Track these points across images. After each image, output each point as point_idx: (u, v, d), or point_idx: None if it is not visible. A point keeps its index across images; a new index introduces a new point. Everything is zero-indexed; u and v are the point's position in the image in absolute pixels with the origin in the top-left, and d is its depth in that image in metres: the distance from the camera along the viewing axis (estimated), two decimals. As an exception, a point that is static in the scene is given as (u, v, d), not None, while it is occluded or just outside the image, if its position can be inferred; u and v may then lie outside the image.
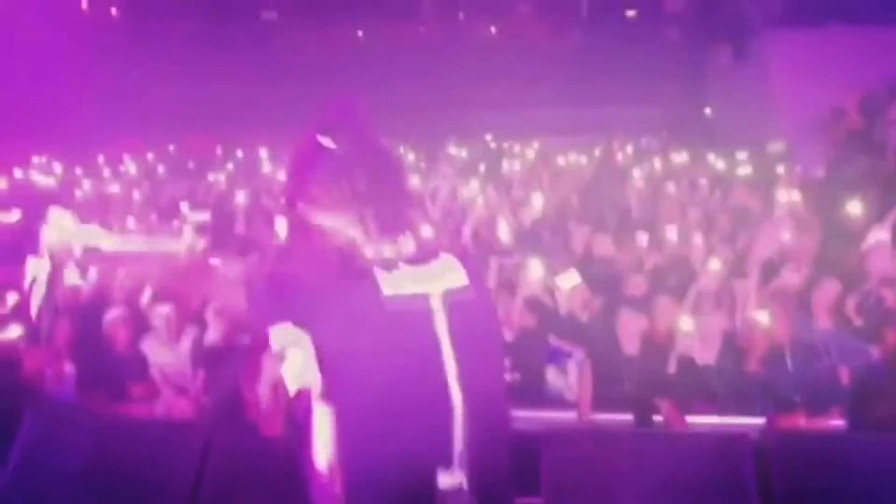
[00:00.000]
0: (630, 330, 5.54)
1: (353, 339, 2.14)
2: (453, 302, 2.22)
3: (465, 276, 2.26)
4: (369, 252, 2.22)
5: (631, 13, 17.61)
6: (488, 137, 15.77)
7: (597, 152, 14.70)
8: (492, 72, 16.03)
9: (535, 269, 6.19)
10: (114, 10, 16.62)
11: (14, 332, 5.67)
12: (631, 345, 5.56)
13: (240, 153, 14.10)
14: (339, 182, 2.22)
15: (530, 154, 14.27)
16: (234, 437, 4.07)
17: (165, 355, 6.11)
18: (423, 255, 2.26)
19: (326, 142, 2.24)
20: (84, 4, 15.86)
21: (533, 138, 15.51)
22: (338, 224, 2.16)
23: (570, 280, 6.19)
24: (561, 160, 13.85)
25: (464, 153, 14.83)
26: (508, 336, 5.78)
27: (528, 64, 16.20)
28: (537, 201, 8.91)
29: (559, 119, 16.28)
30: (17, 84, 12.77)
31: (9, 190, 11.10)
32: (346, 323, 2.14)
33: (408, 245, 2.26)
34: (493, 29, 17.61)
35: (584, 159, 13.84)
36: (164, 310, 6.09)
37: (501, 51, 16.67)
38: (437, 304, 2.20)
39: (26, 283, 7.00)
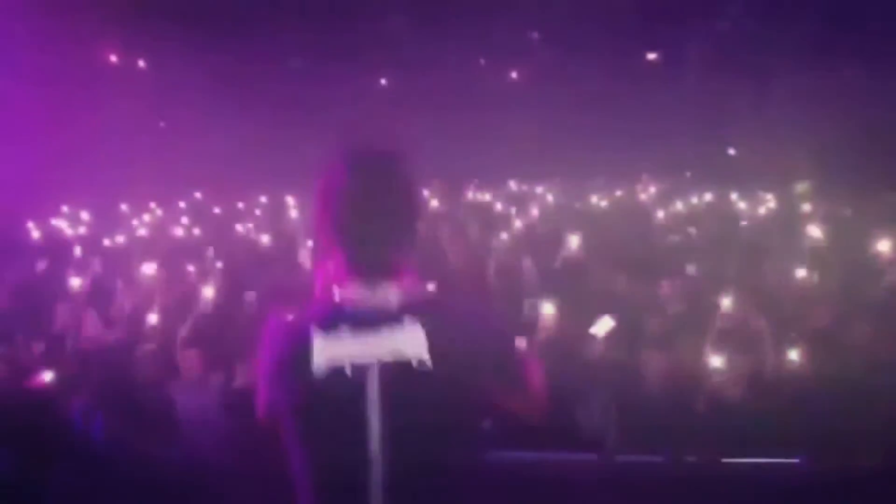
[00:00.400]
0: (655, 368, 5.51)
1: (288, 405, 2.08)
2: (395, 375, 2.02)
3: (423, 346, 2.02)
4: (340, 295, 2.09)
5: (652, 56, 17.76)
6: (511, 182, 15.85)
7: (618, 193, 14.80)
8: (514, 116, 16.16)
9: (548, 310, 6.20)
10: (141, 63, 16.95)
11: (46, 376, 5.73)
12: (655, 383, 5.53)
13: (264, 199, 14.25)
14: (327, 215, 2.11)
15: (552, 197, 14.28)
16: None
17: (192, 398, 6.13)
18: (377, 317, 2.06)
19: (341, 173, 2.13)
20: (113, 57, 16.20)
21: (556, 181, 15.58)
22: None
23: (604, 326, 6.16)
24: (582, 202, 13.91)
25: (487, 197, 14.93)
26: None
27: (551, 107, 16.31)
28: (573, 241, 8.91)
29: (582, 162, 16.36)
30: (46, 134, 13.04)
31: (40, 239, 11.26)
32: (285, 387, 2.09)
33: (385, 294, 2.08)
34: (514, 74, 17.79)
35: (604, 202, 13.88)
36: (192, 353, 6.11)
37: (523, 95, 16.82)
38: (372, 377, 2.03)
39: (57, 328, 7.14)
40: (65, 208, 13.36)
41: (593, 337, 6.01)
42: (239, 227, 11.99)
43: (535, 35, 17.09)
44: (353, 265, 2.10)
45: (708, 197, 13.65)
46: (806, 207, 11.08)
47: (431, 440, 2.04)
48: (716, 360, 5.37)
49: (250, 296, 7.32)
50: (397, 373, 2.02)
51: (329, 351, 2.03)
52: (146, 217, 13.09)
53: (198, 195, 14.69)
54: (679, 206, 12.47)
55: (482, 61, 17.57)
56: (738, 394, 5.43)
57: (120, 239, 11.10)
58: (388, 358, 2.03)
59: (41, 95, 13.07)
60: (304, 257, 7.66)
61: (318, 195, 2.14)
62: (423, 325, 2.04)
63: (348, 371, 2.02)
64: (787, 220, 10.55)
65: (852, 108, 13.23)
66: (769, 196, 12.73)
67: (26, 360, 6.16)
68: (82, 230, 12.11)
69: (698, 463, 5.06)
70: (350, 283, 2.09)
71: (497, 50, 17.27)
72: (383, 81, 17.59)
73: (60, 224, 12.41)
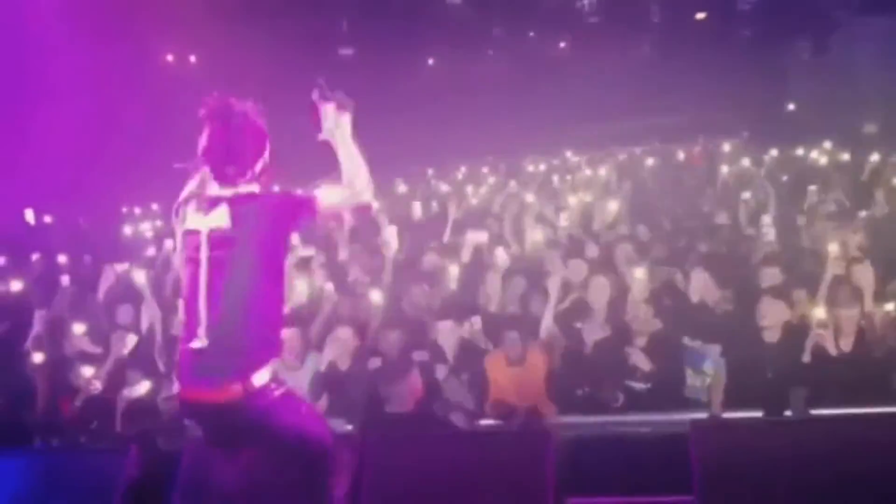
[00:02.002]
0: (773, 319, 5.47)
1: None
2: (215, 236, 3.29)
3: (228, 220, 3.29)
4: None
5: (701, 15, 17.47)
6: (568, 153, 15.76)
7: (681, 156, 14.64)
8: (566, 86, 16.07)
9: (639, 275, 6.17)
10: (193, 58, 17.14)
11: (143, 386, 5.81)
12: (773, 334, 5.50)
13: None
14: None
15: (606, 166, 14.10)
16: (386, 450, 4.14)
17: (289, 379, 6.17)
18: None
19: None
20: (169, 57, 16.41)
21: (612, 149, 15.47)
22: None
23: (701, 283, 6.18)
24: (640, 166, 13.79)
25: (542, 167, 14.87)
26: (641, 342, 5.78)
27: (602, 75, 16.19)
28: (612, 206, 8.93)
29: (637, 128, 16.22)
30: (103, 135, 13.27)
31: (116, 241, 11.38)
32: None
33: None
34: (563, 44, 17.66)
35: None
36: (288, 334, 6.12)
37: (574, 64, 16.69)
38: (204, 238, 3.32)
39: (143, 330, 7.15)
40: (125, 209, 13.57)
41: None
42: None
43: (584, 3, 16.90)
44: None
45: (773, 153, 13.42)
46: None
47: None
48: (820, 313, 5.31)
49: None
50: (217, 236, 3.25)
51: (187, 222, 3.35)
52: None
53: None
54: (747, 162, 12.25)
55: (531, 34, 17.44)
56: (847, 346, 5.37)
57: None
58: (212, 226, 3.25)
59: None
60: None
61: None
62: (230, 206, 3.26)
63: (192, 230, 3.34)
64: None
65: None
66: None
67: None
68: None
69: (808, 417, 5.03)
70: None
71: (544, 22, 17.17)
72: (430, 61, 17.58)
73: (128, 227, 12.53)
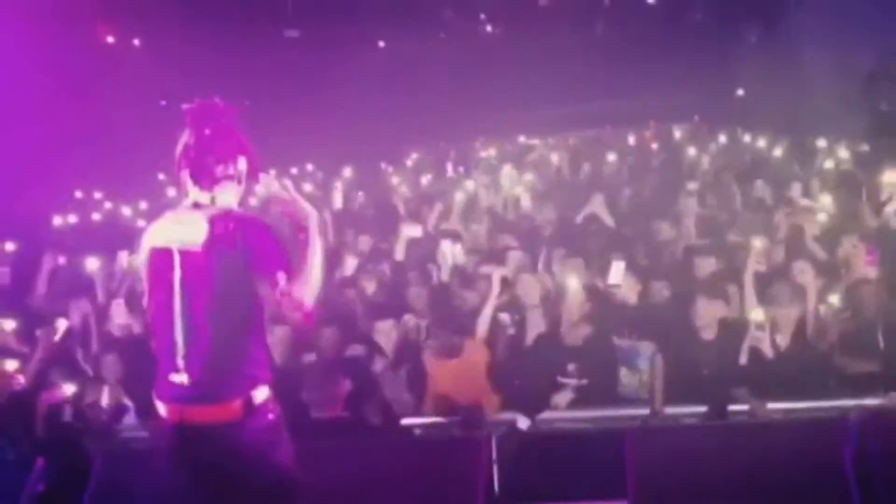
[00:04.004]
0: (709, 318, 5.43)
1: None
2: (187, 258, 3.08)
3: (203, 240, 3.04)
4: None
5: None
6: (521, 138, 15.67)
7: (630, 141, 14.63)
8: (517, 69, 15.95)
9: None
10: (136, 41, 16.73)
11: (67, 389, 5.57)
12: (709, 332, 5.45)
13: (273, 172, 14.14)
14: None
15: (558, 151, 14.00)
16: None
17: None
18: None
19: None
20: (109, 38, 15.97)
21: (563, 133, 15.40)
22: None
23: (617, 274, 6.09)
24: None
25: (493, 153, 14.78)
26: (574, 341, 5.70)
27: (554, 59, 16.08)
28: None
29: (588, 113, 16.17)
30: (45, 121, 12.89)
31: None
32: None
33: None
34: (513, 27, 17.52)
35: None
36: (281, 331, 5.91)
37: (524, 48, 16.54)
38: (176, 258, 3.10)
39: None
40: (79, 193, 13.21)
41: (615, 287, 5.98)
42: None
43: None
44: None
45: (722, 139, 13.46)
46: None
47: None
48: (758, 314, 5.25)
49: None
50: (191, 256, 3.06)
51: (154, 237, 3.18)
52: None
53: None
54: (693, 151, 12.23)
55: (481, 16, 17.26)
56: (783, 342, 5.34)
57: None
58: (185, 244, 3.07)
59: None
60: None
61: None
62: (209, 222, 3.05)
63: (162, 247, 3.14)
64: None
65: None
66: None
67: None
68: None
69: (744, 414, 5.00)
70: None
71: (494, 5, 17.02)
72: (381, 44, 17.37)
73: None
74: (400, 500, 3.92)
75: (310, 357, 5.96)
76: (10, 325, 6.34)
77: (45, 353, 5.69)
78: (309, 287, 3.05)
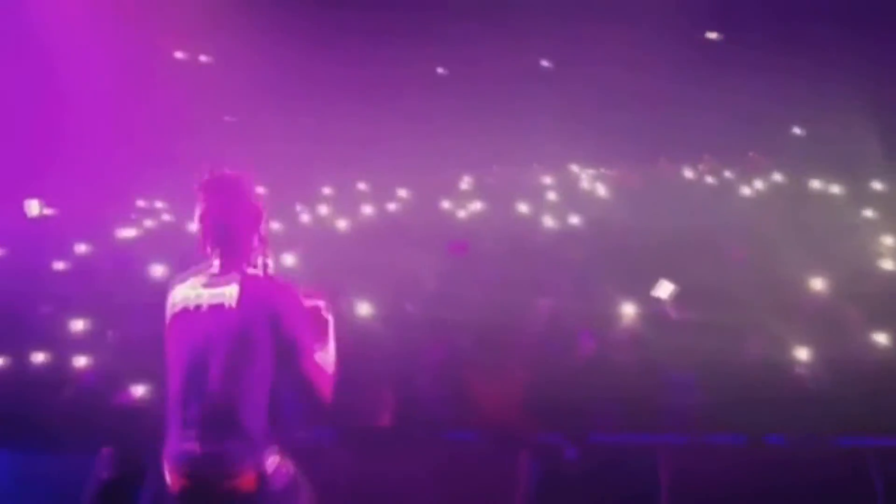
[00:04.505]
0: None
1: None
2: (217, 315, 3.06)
3: (234, 298, 3.05)
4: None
5: (713, 35, 17.46)
6: (573, 167, 15.76)
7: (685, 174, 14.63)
8: (565, 102, 16.04)
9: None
10: (203, 58, 17.20)
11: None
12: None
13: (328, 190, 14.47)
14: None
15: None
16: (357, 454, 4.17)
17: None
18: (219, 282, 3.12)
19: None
20: (178, 54, 16.48)
21: (617, 166, 15.46)
22: None
23: (666, 289, 6.22)
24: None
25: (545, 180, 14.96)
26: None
27: (607, 91, 16.16)
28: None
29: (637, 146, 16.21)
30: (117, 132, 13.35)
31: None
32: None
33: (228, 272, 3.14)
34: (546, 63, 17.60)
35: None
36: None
37: (571, 82, 16.60)
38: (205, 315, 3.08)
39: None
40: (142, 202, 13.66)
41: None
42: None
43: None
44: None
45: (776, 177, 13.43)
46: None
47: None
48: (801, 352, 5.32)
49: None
50: (218, 312, 3.07)
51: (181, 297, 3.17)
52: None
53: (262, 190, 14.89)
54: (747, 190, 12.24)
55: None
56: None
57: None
58: (214, 301, 3.08)
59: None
60: None
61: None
62: (240, 285, 3.08)
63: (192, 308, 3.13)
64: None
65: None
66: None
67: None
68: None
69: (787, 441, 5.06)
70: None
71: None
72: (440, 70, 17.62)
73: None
74: (439, 496, 4.05)
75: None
76: (80, 324, 6.68)
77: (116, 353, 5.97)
78: (332, 360, 3.12)
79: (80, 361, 6.05)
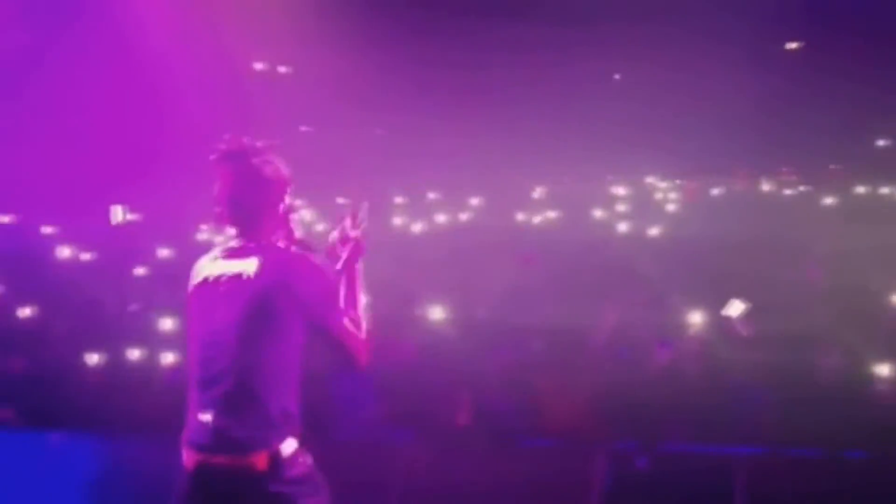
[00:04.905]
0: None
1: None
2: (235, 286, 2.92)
3: (254, 270, 2.91)
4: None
5: (792, 45, 17.16)
6: (648, 179, 15.70)
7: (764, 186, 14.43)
8: (645, 114, 15.97)
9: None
10: (282, 69, 17.58)
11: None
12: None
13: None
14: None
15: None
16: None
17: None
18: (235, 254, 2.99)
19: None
20: (258, 65, 16.89)
21: (691, 176, 15.32)
22: None
23: (737, 308, 6.19)
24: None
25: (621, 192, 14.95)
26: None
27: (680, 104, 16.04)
28: None
29: (714, 158, 16.03)
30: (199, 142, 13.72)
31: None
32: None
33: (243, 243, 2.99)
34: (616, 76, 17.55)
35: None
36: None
37: (647, 96, 16.51)
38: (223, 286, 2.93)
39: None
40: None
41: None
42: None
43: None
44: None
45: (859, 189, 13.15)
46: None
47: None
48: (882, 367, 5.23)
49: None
50: (237, 284, 2.91)
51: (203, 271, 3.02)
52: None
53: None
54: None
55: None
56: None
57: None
58: (234, 273, 2.93)
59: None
60: None
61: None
62: (260, 257, 2.92)
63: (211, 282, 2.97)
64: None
65: None
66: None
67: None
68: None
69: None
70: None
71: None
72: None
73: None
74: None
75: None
76: (168, 323, 6.95)
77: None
78: (363, 322, 2.97)
79: (168, 358, 6.29)
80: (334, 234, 3.06)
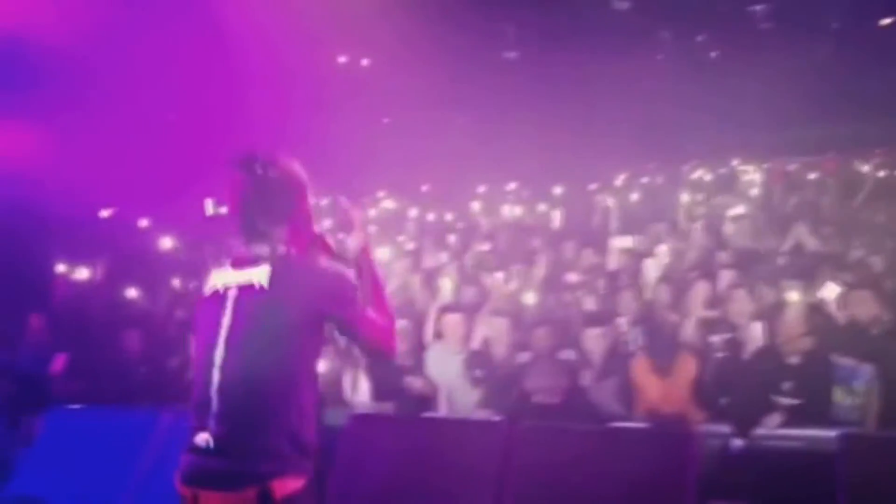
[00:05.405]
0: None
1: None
2: (244, 294, 2.76)
3: (265, 279, 2.75)
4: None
5: (885, 21, 16.57)
6: (734, 161, 15.39)
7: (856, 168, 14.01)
8: (732, 93, 15.68)
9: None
10: (365, 62, 17.81)
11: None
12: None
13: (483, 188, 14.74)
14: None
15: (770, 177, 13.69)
16: (534, 439, 4.34)
17: (450, 363, 6.54)
18: (247, 262, 2.83)
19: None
20: (341, 59, 17.15)
21: (780, 159, 14.98)
22: None
23: (831, 291, 6.10)
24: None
25: (704, 175, 14.72)
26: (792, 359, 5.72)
27: (771, 82, 15.68)
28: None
29: (808, 139, 15.64)
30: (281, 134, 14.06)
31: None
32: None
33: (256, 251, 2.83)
34: (731, 50, 17.17)
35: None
36: (453, 319, 6.47)
37: (742, 70, 16.22)
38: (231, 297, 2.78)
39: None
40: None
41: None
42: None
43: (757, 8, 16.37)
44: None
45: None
46: None
47: (261, 355, 2.70)
48: None
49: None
50: (246, 294, 2.76)
51: (213, 280, 2.87)
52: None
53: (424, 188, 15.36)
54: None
55: (698, 38, 17.09)
56: None
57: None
58: (243, 282, 2.78)
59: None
60: None
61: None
62: (271, 265, 2.77)
63: (221, 291, 2.82)
64: None
65: None
66: None
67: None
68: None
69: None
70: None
71: (713, 26, 16.81)
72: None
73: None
74: (608, 483, 4.16)
75: (523, 356, 6.40)
76: None
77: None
78: (389, 310, 2.89)
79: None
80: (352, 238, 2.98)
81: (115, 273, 9.01)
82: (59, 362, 7.15)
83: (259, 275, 2.75)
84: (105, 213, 11.59)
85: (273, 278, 2.73)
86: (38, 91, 8.76)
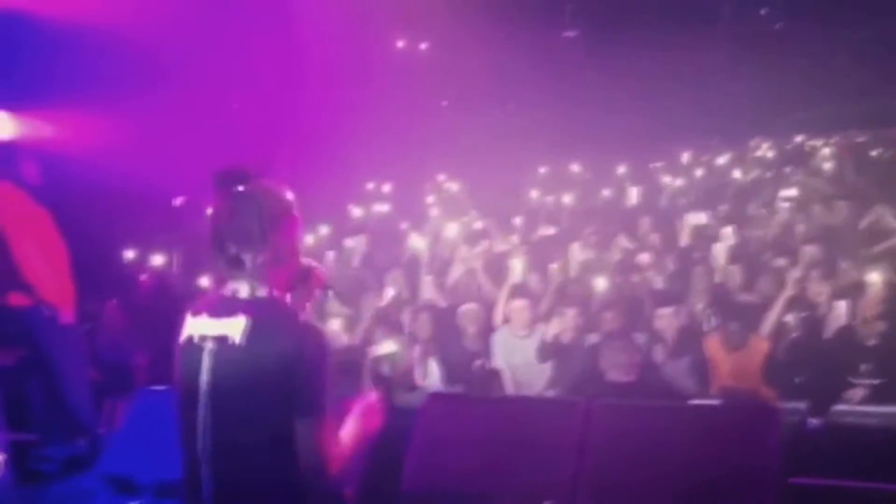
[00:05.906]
0: None
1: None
2: (220, 351, 2.45)
3: (241, 333, 2.42)
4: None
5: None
6: (799, 137, 15.12)
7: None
8: (798, 66, 15.39)
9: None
10: (423, 46, 17.86)
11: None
12: None
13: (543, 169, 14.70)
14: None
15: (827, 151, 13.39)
16: (612, 417, 4.36)
17: (516, 347, 6.61)
18: (224, 308, 2.49)
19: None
20: (400, 43, 17.22)
21: (848, 132, 14.65)
22: None
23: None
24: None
25: (768, 151, 14.50)
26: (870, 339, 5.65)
27: (837, 54, 15.34)
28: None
29: (877, 110, 15.27)
30: (345, 120, 14.19)
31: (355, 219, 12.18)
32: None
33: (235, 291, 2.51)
34: (795, 22, 16.83)
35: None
36: (519, 305, 6.56)
37: (806, 43, 15.87)
38: (207, 351, 2.47)
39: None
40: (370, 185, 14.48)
41: None
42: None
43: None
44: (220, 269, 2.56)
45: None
46: None
47: (242, 415, 2.42)
48: None
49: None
50: (222, 349, 2.45)
51: (189, 328, 2.55)
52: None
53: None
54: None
55: (762, 11, 16.74)
56: None
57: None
58: (218, 334, 2.46)
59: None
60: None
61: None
62: (249, 316, 2.43)
63: (196, 342, 2.51)
64: None
65: None
66: None
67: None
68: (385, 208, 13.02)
69: None
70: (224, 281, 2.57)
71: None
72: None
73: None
74: (689, 460, 4.15)
75: (592, 338, 6.43)
76: (332, 293, 7.31)
77: (373, 315, 6.51)
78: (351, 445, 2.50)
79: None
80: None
81: (189, 261, 9.23)
82: (140, 357, 7.33)
83: (235, 328, 2.42)
84: (177, 201, 11.82)
85: (250, 333, 2.40)
86: (113, 81, 9.00)
